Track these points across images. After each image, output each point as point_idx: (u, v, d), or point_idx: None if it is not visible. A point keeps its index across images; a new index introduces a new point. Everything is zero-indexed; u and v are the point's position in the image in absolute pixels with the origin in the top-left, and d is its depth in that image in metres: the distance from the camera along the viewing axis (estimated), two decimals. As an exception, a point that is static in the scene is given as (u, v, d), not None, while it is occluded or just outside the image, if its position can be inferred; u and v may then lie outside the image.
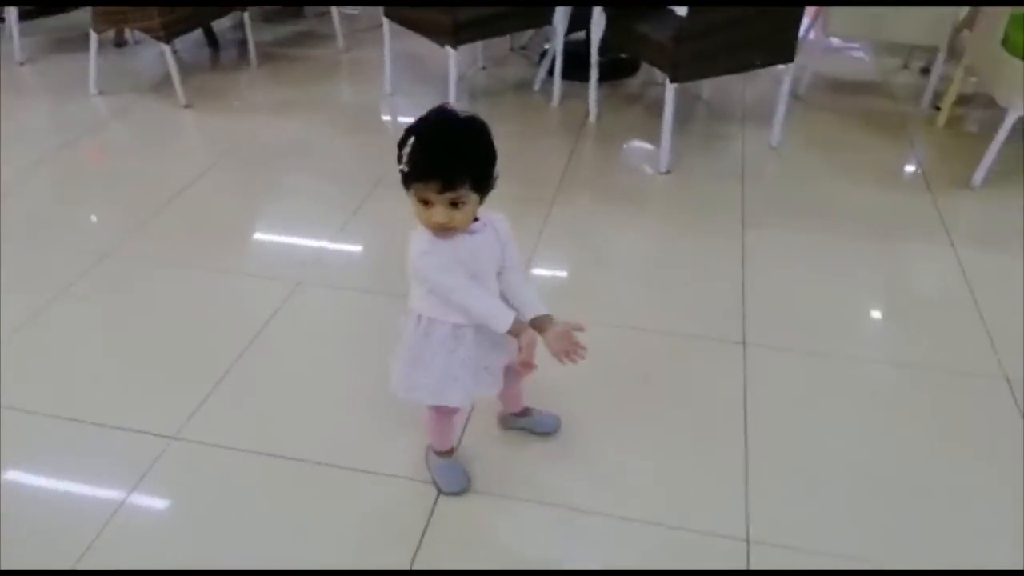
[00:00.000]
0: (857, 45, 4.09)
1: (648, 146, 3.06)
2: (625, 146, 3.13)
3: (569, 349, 1.33)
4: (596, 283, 2.33)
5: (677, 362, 2.00)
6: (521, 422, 1.75)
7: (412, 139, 1.22)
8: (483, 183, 1.27)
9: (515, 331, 1.32)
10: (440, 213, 1.25)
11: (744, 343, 2.04)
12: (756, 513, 1.58)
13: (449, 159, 1.22)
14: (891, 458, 1.73)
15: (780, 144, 3.06)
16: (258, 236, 2.56)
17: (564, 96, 3.40)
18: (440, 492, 1.61)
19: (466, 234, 1.32)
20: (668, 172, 2.87)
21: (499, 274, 1.41)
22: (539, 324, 1.37)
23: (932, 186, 2.79)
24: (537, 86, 3.56)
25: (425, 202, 1.25)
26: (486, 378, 1.46)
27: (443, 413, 1.56)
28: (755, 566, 1.48)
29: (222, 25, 4.15)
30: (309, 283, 2.27)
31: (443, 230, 1.28)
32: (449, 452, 1.64)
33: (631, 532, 1.56)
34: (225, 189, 2.79)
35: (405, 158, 1.22)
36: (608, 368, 1.88)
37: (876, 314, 2.22)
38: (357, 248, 2.50)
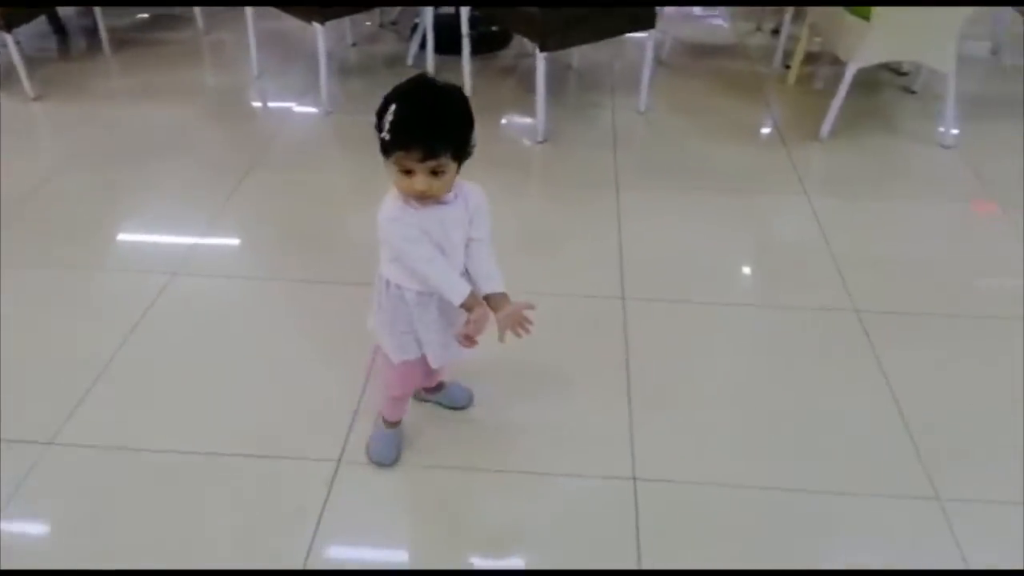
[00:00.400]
0: (717, 12, 4.28)
1: (524, 116, 3.12)
2: (501, 117, 3.18)
3: (516, 324, 1.37)
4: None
5: (562, 321, 2.06)
6: (435, 397, 1.78)
7: (393, 107, 1.21)
8: (462, 151, 1.27)
9: (468, 305, 1.34)
10: (421, 181, 1.25)
11: (623, 297, 2.14)
12: (640, 453, 1.68)
13: (432, 129, 1.22)
14: (763, 390, 1.87)
15: (648, 109, 3.18)
16: (126, 230, 2.45)
17: (438, 70, 3.40)
18: (370, 461, 1.63)
19: (438, 204, 1.32)
20: (544, 141, 2.94)
21: (466, 245, 1.41)
22: (493, 301, 1.39)
23: (786, 140, 2.99)
24: (410, 61, 3.54)
25: (406, 171, 1.25)
26: (452, 340, 1.47)
27: (398, 387, 1.58)
28: (642, 502, 1.58)
29: (67, 11, 3.89)
30: (184, 274, 2.20)
31: (423, 197, 1.28)
32: (397, 423, 1.66)
33: (528, 485, 1.62)
34: (86, 184, 2.65)
35: (387, 126, 1.21)
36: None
37: (741, 261, 2.37)
38: (233, 235, 2.43)
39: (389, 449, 1.65)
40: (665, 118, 3.18)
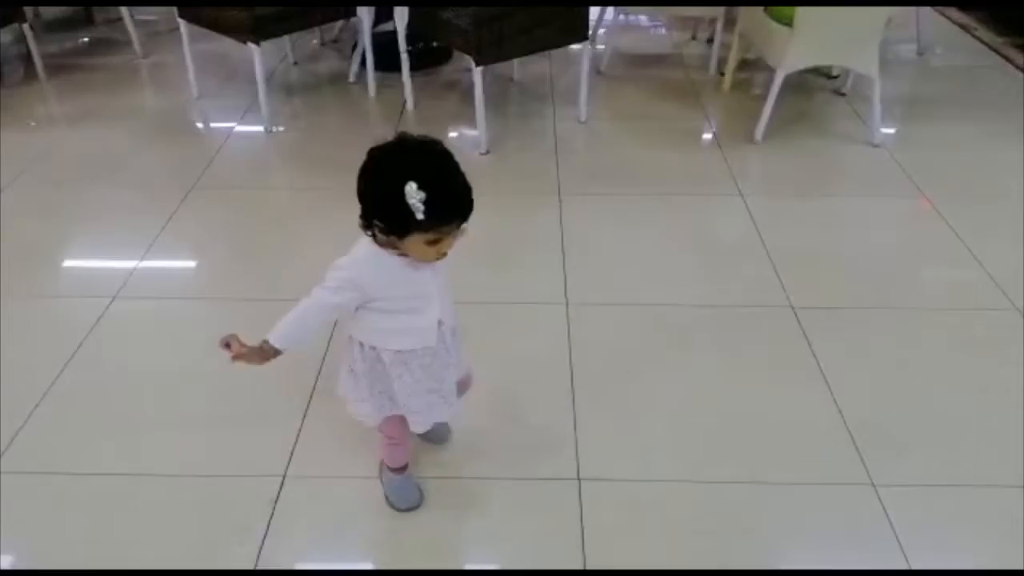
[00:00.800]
0: (660, 22, 4.37)
1: (466, 129, 3.15)
2: (443, 131, 3.20)
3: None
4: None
5: (506, 328, 2.10)
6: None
7: (413, 187, 1.13)
8: None
9: (265, 344, 1.32)
10: (449, 243, 1.23)
11: (567, 303, 2.18)
12: (585, 453, 1.71)
13: (468, 195, 1.20)
14: (703, 388, 1.91)
15: (588, 118, 3.24)
16: (64, 256, 2.41)
17: (381, 87, 3.42)
18: (393, 508, 1.58)
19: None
20: (487, 152, 2.98)
21: None
22: None
23: (722, 144, 3.07)
24: (352, 78, 3.55)
25: (434, 240, 1.21)
26: (437, 401, 1.44)
27: (397, 436, 1.53)
28: (586, 501, 1.60)
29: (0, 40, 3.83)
30: (125, 297, 2.17)
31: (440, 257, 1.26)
32: (403, 468, 1.59)
33: (473, 490, 1.64)
34: (23, 211, 2.60)
35: (422, 208, 1.14)
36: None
37: (680, 263, 2.41)
38: (174, 257, 2.40)
39: (408, 491, 1.59)
40: (605, 126, 3.24)
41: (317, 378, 1.89)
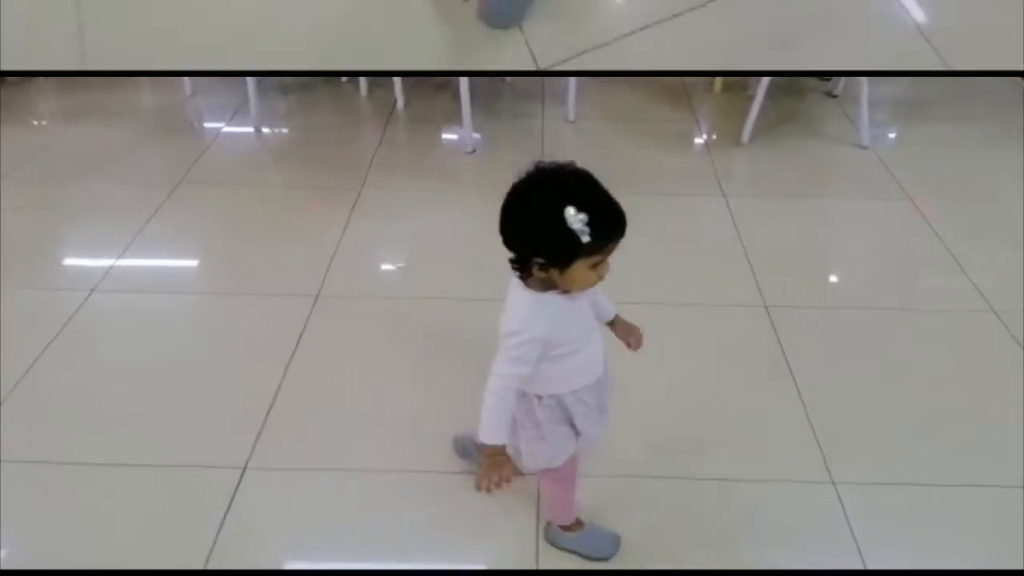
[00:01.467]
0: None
1: (455, 128, 3.16)
2: (432, 130, 3.21)
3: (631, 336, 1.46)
4: (409, 260, 2.42)
5: (481, 327, 2.09)
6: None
7: (571, 211, 1.08)
8: None
9: (487, 450, 1.24)
10: (608, 264, 1.19)
11: (541, 301, 2.18)
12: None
13: (621, 208, 1.14)
14: (672, 385, 1.92)
15: (576, 118, 3.24)
16: (47, 248, 2.44)
17: (372, 86, 3.45)
18: (592, 559, 1.51)
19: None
20: (474, 151, 2.99)
21: None
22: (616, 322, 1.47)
23: (710, 146, 3.07)
24: (345, 78, 3.58)
25: (594, 263, 1.16)
26: (603, 418, 1.40)
27: (569, 480, 1.46)
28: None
29: None
30: (103, 291, 2.20)
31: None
32: (579, 523, 1.52)
33: (429, 485, 1.65)
34: (14, 204, 2.64)
35: (585, 232, 1.09)
36: (426, 337, 2.01)
37: (658, 262, 2.40)
38: (155, 251, 2.43)
39: (604, 542, 1.52)
40: (593, 126, 3.25)
41: (284, 372, 1.91)
